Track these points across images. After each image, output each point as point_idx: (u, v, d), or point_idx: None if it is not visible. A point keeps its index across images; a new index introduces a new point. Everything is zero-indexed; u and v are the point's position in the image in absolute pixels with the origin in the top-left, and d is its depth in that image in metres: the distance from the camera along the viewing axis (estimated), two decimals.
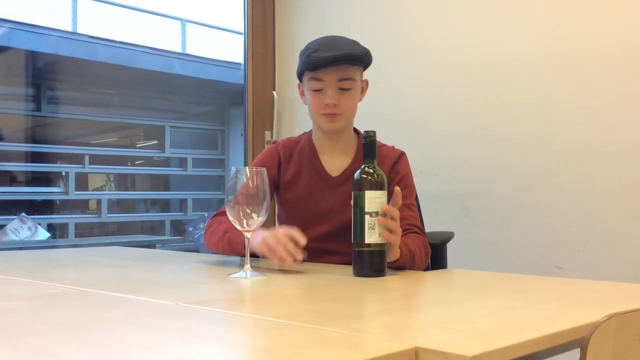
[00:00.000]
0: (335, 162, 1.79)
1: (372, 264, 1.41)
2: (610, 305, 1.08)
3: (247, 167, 1.40)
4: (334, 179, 1.77)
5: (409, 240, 1.58)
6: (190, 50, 6.50)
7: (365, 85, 1.80)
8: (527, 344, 0.78)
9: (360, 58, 1.69)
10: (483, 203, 2.62)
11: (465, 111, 2.69)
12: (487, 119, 2.62)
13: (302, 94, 1.79)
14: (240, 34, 3.45)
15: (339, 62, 1.64)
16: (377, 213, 1.39)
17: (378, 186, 1.41)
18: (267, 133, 3.32)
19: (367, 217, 1.39)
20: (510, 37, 2.57)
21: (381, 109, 2.95)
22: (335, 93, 1.68)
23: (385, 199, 1.41)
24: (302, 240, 1.43)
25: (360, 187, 1.41)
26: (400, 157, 1.81)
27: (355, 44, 1.71)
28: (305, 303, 1.12)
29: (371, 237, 1.39)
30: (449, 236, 1.92)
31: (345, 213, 1.71)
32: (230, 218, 1.41)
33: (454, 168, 2.71)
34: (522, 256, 2.49)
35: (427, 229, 1.99)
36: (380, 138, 1.82)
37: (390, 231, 1.41)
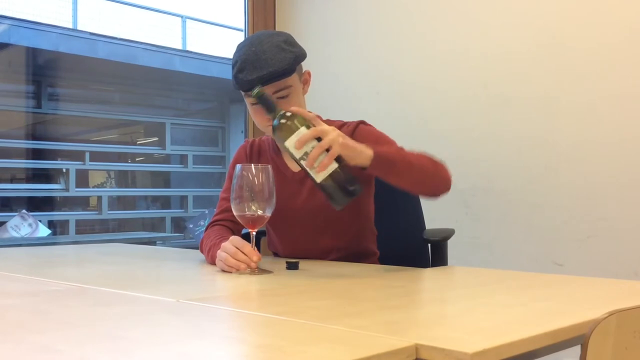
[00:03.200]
0: None
1: (337, 192, 1.32)
2: (610, 302, 1.08)
3: (252, 165, 1.40)
4: (295, 174, 1.71)
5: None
6: (191, 47, 6.50)
7: (307, 76, 1.70)
8: (527, 341, 0.78)
9: (287, 71, 1.57)
10: (483, 200, 2.61)
11: (466, 108, 2.69)
12: (488, 115, 2.62)
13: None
14: (241, 30, 3.46)
15: (265, 83, 1.55)
16: (307, 154, 1.30)
17: (294, 128, 1.33)
18: None
19: (301, 162, 1.32)
20: (511, 34, 2.56)
21: (382, 105, 2.96)
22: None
23: (304, 130, 1.32)
24: (248, 246, 1.41)
25: (279, 140, 1.35)
26: (357, 128, 1.69)
27: (280, 51, 1.56)
28: (305, 300, 1.12)
29: (318, 175, 1.31)
30: (449, 233, 1.92)
31: (319, 206, 1.67)
32: (236, 214, 1.41)
33: (455, 164, 2.68)
34: (523, 253, 2.49)
35: (428, 226, 1.99)
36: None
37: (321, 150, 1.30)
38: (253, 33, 3.39)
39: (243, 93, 1.63)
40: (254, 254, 1.41)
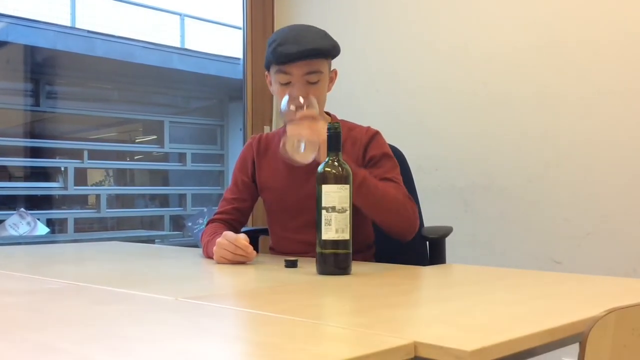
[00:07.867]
0: None
1: (330, 260, 1.35)
2: (609, 300, 1.08)
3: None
4: (304, 168, 1.71)
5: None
6: (189, 45, 6.48)
7: (334, 75, 1.77)
8: (526, 338, 0.78)
9: (327, 52, 1.65)
10: (483, 197, 2.62)
11: (465, 105, 2.69)
12: (487, 113, 2.62)
13: (269, 83, 1.77)
14: (239, 28, 3.45)
15: (305, 57, 1.62)
16: (333, 208, 1.33)
17: (337, 180, 1.35)
18: (266, 128, 3.32)
19: (323, 212, 1.34)
20: (510, 32, 2.56)
21: (381, 103, 2.95)
22: (303, 87, 1.65)
23: (346, 193, 1.34)
24: (244, 243, 1.50)
25: (319, 181, 1.36)
26: (373, 137, 1.75)
27: (322, 37, 1.67)
28: (304, 298, 1.12)
29: (327, 233, 1.33)
30: (447, 231, 1.92)
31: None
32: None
33: (454, 163, 2.71)
34: (522, 251, 2.50)
35: (427, 224, 1.99)
36: (381, 132, 1.82)
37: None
38: (252, 32, 3.40)
39: (274, 70, 1.68)
40: (250, 255, 1.49)
